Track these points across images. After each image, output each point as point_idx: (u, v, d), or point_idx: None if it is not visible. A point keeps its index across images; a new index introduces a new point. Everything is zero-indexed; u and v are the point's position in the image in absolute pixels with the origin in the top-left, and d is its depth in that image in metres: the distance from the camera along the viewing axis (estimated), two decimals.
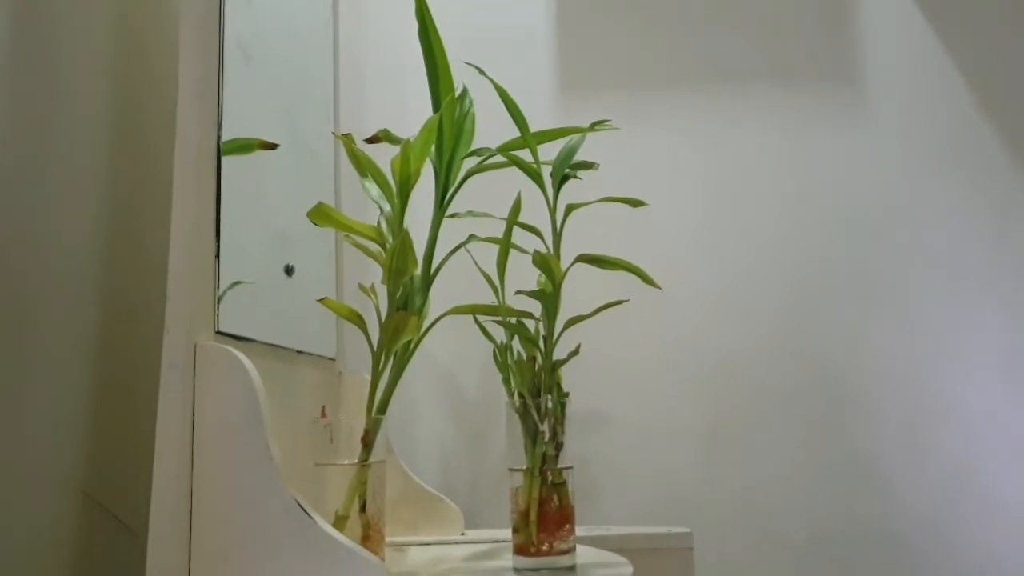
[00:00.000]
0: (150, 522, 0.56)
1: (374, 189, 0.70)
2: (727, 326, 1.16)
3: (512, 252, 0.76)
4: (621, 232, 1.02)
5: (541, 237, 0.75)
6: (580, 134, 0.77)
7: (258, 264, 0.76)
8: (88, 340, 0.69)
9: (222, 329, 0.65)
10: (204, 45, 0.65)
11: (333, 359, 0.95)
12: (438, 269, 0.77)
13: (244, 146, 0.79)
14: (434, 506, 0.96)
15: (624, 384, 1.14)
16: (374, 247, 0.71)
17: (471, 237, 0.80)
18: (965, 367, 1.13)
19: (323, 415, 0.91)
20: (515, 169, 0.79)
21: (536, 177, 0.74)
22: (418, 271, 0.75)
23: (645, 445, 1.14)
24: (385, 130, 0.83)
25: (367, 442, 0.74)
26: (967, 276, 1.15)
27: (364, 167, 0.69)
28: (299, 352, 0.84)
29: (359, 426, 0.74)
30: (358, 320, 0.71)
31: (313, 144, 0.93)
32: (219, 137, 0.67)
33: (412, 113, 0.83)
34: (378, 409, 0.74)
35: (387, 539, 0.76)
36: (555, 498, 0.74)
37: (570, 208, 0.74)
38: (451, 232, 0.77)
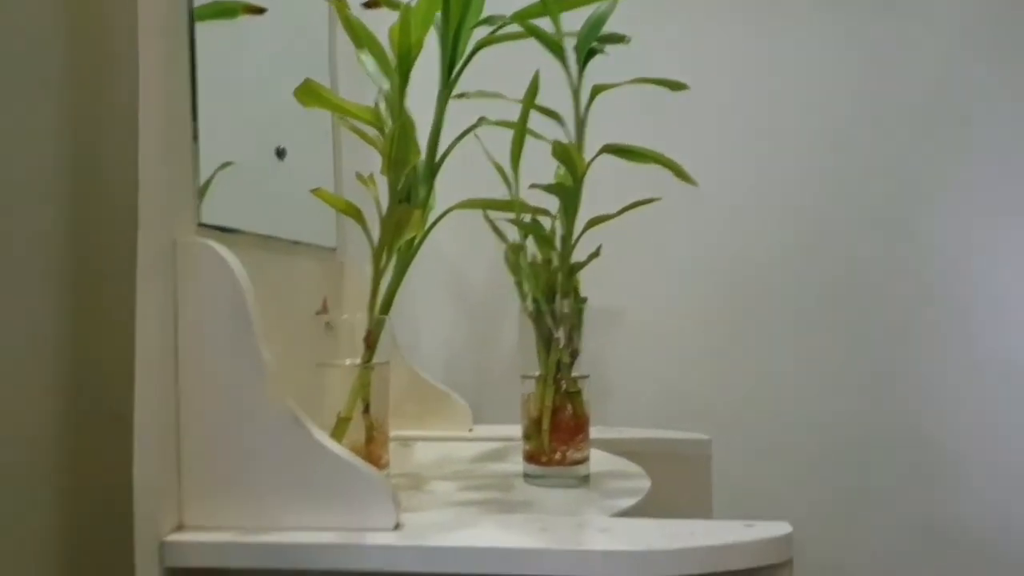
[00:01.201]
0: (135, 438, 0.51)
1: (371, 63, 0.61)
2: (758, 225, 1.08)
3: (528, 140, 0.68)
4: (652, 121, 0.92)
5: (562, 123, 0.67)
6: (610, 0, 0.67)
7: (245, 146, 0.68)
8: (57, 234, 0.63)
9: (205, 221, 0.59)
10: None
11: (334, 249, 0.89)
12: (444, 156, 0.69)
13: (227, 10, 0.69)
14: (441, 401, 0.93)
15: (643, 281, 1.08)
16: (372, 132, 0.63)
17: (481, 120, 0.72)
18: (1009, 269, 1.06)
19: (324, 308, 0.86)
20: (533, 42, 0.69)
21: (557, 51, 0.65)
22: (421, 159, 0.67)
23: (662, 345, 1.09)
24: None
25: (370, 343, 0.69)
26: (1017, 166, 1.06)
27: (359, 37, 0.60)
28: (295, 243, 0.77)
29: (362, 322, 0.69)
30: (356, 214, 0.65)
31: (305, 11, 0.84)
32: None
33: None
34: (381, 309, 0.68)
35: (393, 432, 0.72)
36: (569, 407, 0.70)
37: (596, 90, 0.66)
38: (459, 115, 0.69)
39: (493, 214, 0.71)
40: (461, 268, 1.01)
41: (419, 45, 0.60)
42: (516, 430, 0.74)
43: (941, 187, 1.06)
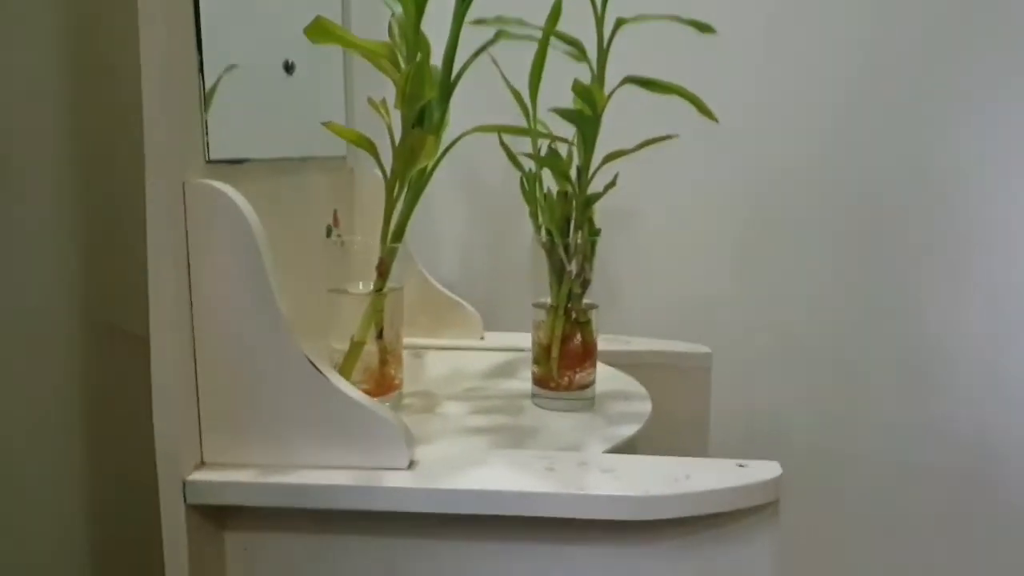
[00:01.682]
0: (152, 387, 0.52)
1: None
2: (775, 146, 1.04)
3: (548, 61, 0.65)
4: (676, 45, 0.87)
5: (584, 53, 0.64)
6: None
7: (251, 63, 0.66)
8: (68, 168, 0.62)
9: (213, 156, 0.58)
10: None
11: (343, 157, 0.87)
12: (458, 77, 0.66)
13: None
14: (453, 310, 0.94)
15: (657, 189, 1.06)
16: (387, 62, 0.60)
17: (500, 34, 0.68)
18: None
19: (335, 221, 0.86)
20: None
21: None
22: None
23: (672, 252, 1.08)
24: None
25: (382, 271, 0.69)
26: None
27: None
28: (305, 159, 0.76)
29: (374, 238, 0.69)
30: (368, 146, 0.63)
31: None
32: None
33: None
34: (393, 237, 0.68)
35: (406, 341, 0.74)
36: (578, 335, 0.71)
37: (620, 22, 0.62)
38: (475, 40, 0.66)
39: (510, 138, 0.69)
40: (477, 168, 0.97)
41: None
42: (525, 338, 0.75)
43: (964, 111, 1.01)
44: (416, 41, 0.59)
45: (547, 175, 0.70)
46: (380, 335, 0.70)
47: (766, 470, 0.56)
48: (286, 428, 0.55)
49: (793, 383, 1.10)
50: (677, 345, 0.92)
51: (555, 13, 0.63)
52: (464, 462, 0.56)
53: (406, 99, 0.59)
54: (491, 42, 0.68)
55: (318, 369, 0.54)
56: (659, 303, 1.09)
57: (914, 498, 1.10)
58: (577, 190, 0.68)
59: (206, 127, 0.56)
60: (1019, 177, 1.02)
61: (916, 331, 1.07)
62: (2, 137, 0.55)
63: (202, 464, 0.55)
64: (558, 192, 0.69)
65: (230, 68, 0.60)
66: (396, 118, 0.66)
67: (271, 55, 0.69)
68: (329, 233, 0.84)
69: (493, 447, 0.61)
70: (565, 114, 0.67)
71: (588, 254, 0.70)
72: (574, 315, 0.70)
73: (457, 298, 0.95)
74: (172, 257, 0.53)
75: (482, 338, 0.94)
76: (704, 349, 0.90)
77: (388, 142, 0.66)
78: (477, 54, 0.67)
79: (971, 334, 1.05)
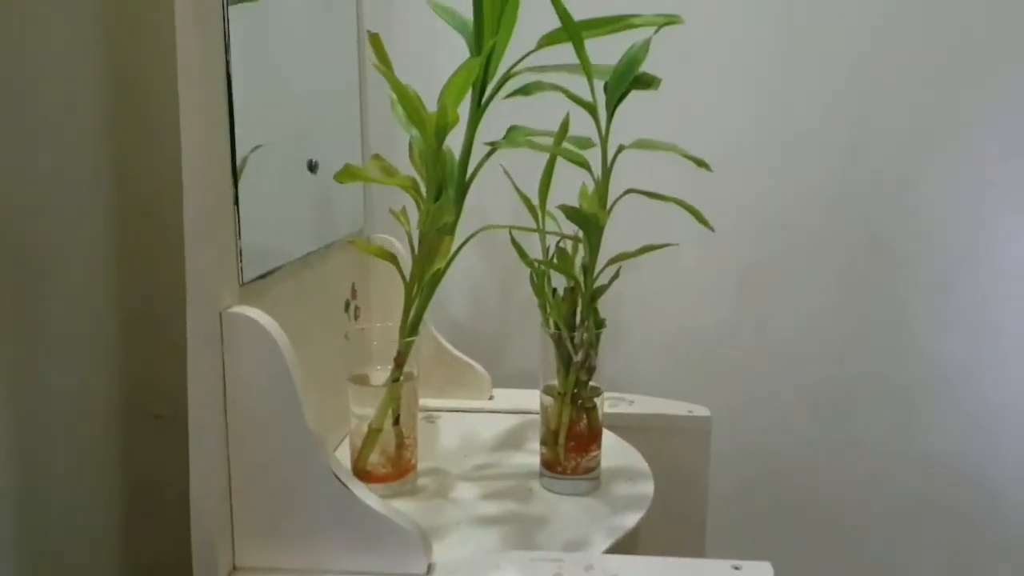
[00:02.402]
0: (191, 496, 0.57)
1: (406, 120, 0.62)
2: (769, 165, 1.08)
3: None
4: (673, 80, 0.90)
5: (589, 170, 0.68)
6: (643, 39, 0.66)
7: (279, 170, 0.70)
8: (106, 262, 0.67)
9: (247, 277, 0.62)
10: None
11: (361, 229, 0.91)
12: (471, 179, 0.70)
13: None
14: (464, 371, 0.98)
15: (656, 221, 1.10)
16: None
17: (512, 130, 0.72)
18: (1019, 226, 1.08)
19: (352, 294, 0.90)
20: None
21: (590, 109, 0.65)
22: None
23: (676, 289, 1.12)
24: None
25: (400, 362, 0.73)
26: None
27: (399, 95, 0.60)
28: (328, 246, 0.80)
29: (388, 310, 0.73)
30: (390, 258, 0.67)
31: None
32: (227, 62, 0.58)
33: None
34: (410, 331, 0.72)
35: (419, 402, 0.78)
36: (584, 420, 0.75)
37: (620, 148, 0.66)
38: (488, 135, 0.70)
39: (520, 235, 0.73)
40: (485, 206, 1.00)
41: (456, 119, 0.61)
42: (532, 397, 0.78)
43: (951, 140, 1.05)
44: (436, 169, 0.63)
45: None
46: (397, 421, 0.75)
47: (759, 571, 0.60)
48: (314, 536, 0.59)
49: (790, 414, 1.14)
50: (678, 407, 0.96)
51: (563, 129, 0.67)
52: (478, 568, 0.61)
53: (428, 223, 0.63)
54: (495, 147, 0.71)
55: (344, 484, 0.58)
56: (660, 335, 1.13)
57: (909, 530, 1.15)
58: (583, 287, 0.72)
59: (240, 254, 0.60)
60: (1006, 211, 1.06)
61: (905, 356, 1.11)
62: (55, 235, 0.60)
63: (234, 569, 0.60)
64: (565, 288, 0.73)
65: (258, 181, 0.64)
66: (412, 215, 0.71)
67: (296, 159, 0.73)
68: (347, 308, 0.88)
69: (505, 542, 0.66)
70: (571, 216, 0.70)
71: (594, 343, 0.74)
72: (580, 401, 0.75)
73: (468, 359, 0.99)
74: (210, 380, 0.57)
75: (491, 398, 0.99)
76: (704, 412, 0.94)
77: (407, 239, 0.71)
78: (488, 155, 0.71)
79: (963, 364, 1.09)
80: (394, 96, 0.62)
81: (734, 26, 1.05)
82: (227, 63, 0.58)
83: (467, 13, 0.71)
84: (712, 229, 0.66)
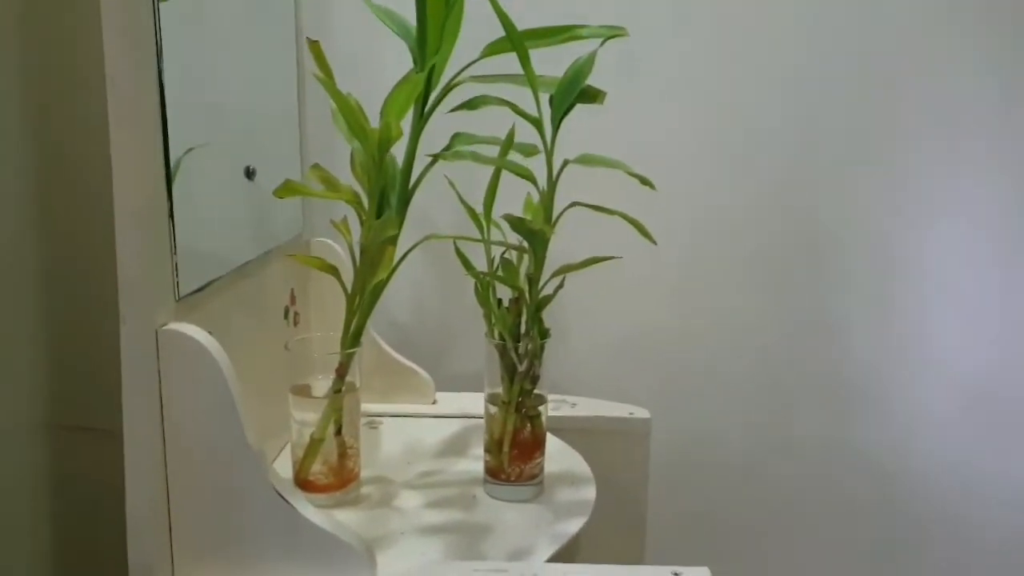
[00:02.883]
0: (127, 518, 0.55)
1: (347, 130, 0.61)
2: (710, 179, 1.10)
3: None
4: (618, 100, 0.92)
5: (534, 183, 0.68)
6: (588, 52, 0.66)
7: (216, 178, 0.68)
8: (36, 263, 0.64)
9: (183, 292, 0.60)
10: None
11: (299, 235, 0.90)
12: (414, 188, 0.70)
13: None
14: (406, 375, 0.98)
15: (600, 230, 1.11)
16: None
17: (455, 137, 0.72)
18: (948, 234, 1.12)
19: (291, 300, 0.89)
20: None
21: (536, 123, 0.65)
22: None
23: (616, 289, 1.14)
24: None
25: (342, 373, 0.72)
26: (969, 140, 1.09)
27: (340, 107, 0.59)
28: (266, 253, 0.79)
29: (328, 316, 0.72)
30: (331, 270, 0.66)
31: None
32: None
33: None
34: (351, 343, 0.72)
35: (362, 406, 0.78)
36: (528, 428, 0.76)
37: (565, 163, 0.66)
38: (432, 143, 0.69)
39: (464, 244, 0.73)
40: (431, 215, 1.00)
41: (399, 133, 0.60)
42: (475, 399, 0.79)
43: (887, 150, 1.09)
44: (378, 182, 0.62)
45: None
46: (339, 431, 0.74)
47: None
48: (259, 555, 0.58)
49: (725, 408, 1.17)
50: (618, 409, 0.97)
51: (508, 141, 0.67)
52: None
53: (371, 238, 0.62)
54: (440, 155, 0.71)
55: (287, 501, 0.58)
56: (601, 336, 1.15)
57: (839, 525, 1.19)
58: (528, 298, 0.72)
59: (176, 268, 0.58)
60: (943, 225, 1.10)
61: (840, 359, 1.15)
62: None
63: None
64: (510, 299, 0.73)
65: (194, 189, 0.62)
66: (353, 223, 0.70)
67: (233, 166, 0.72)
68: (287, 314, 0.87)
69: (449, 552, 0.66)
70: (517, 227, 0.70)
71: (538, 353, 0.74)
72: (524, 409, 0.75)
73: (410, 364, 0.98)
74: (146, 398, 0.56)
75: (434, 402, 0.99)
76: (644, 415, 0.96)
77: (347, 249, 0.70)
78: (431, 165, 0.70)
79: (893, 362, 1.14)
80: (335, 106, 0.61)
81: (678, 38, 1.06)
82: (159, 70, 0.56)
83: (407, 13, 0.70)
84: (655, 243, 0.67)
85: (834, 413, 1.17)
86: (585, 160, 0.66)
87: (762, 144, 1.09)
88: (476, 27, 0.68)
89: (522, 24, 0.67)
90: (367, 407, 0.95)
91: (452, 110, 0.65)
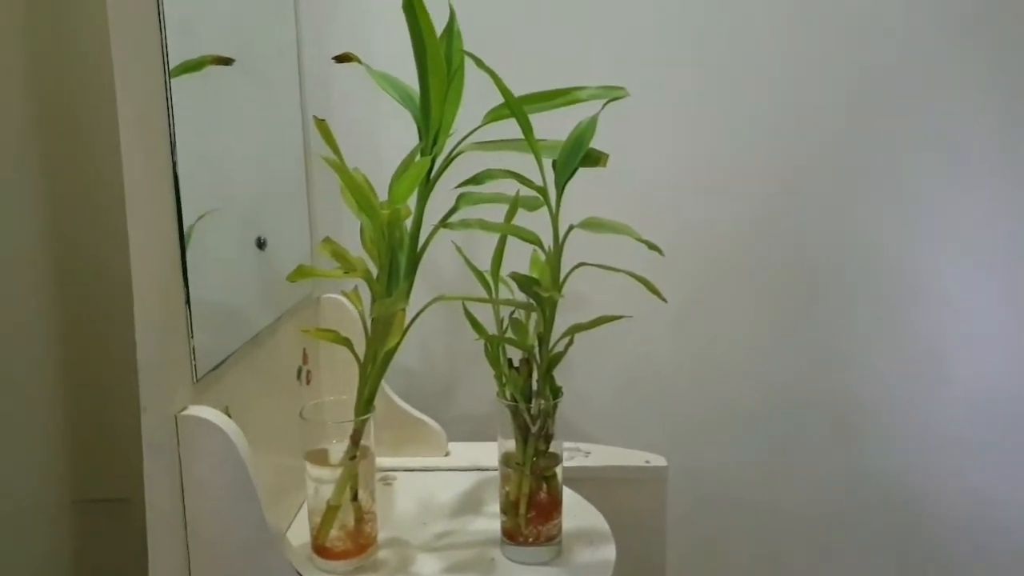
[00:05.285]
0: None
1: (355, 206, 0.62)
2: (706, 201, 1.10)
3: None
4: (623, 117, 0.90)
5: (541, 246, 0.68)
6: (590, 117, 0.67)
7: (230, 257, 0.69)
8: (54, 351, 0.65)
9: (200, 371, 0.61)
10: None
11: (309, 294, 0.90)
12: (423, 251, 0.70)
13: (195, 65, 0.67)
14: (418, 429, 0.98)
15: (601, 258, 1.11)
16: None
17: (461, 201, 0.72)
18: (953, 252, 1.11)
19: (304, 359, 0.89)
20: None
21: (541, 191, 0.66)
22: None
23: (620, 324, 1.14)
24: (349, 53, 0.72)
25: (356, 439, 0.73)
26: (970, 158, 1.09)
27: (348, 185, 0.60)
28: (279, 318, 0.79)
29: (340, 369, 0.72)
30: (346, 343, 0.67)
31: (267, 67, 0.81)
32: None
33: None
34: (363, 409, 0.72)
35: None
36: (544, 488, 0.76)
37: (571, 228, 0.67)
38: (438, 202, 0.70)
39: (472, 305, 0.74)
40: (438, 269, 1.00)
41: (408, 212, 0.61)
42: (488, 450, 0.79)
43: (886, 168, 1.08)
44: (388, 253, 0.63)
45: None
46: (355, 496, 0.74)
47: None
48: None
49: (737, 443, 1.16)
50: (634, 457, 0.97)
51: (514, 207, 0.68)
52: None
53: (382, 311, 0.63)
54: (446, 221, 0.71)
55: None
56: (607, 374, 1.14)
57: (861, 553, 1.18)
58: (539, 359, 0.73)
59: (194, 352, 0.59)
60: (946, 243, 1.09)
61: (848, 385, 1.14)
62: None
63: None
64: (520, 359, 0.73)
65: (208, 269, 0.63)
66: (364, 293, 0.70)
67: (245, 238, 0.72)
68: (299, 375, 0.87)
69: None
70: (524, 287, 0.71)
71: (550, 412, 0.74)
72: (539, 470, 0.75)
73: (420, 415, 0.98)
74: (167, 480, 0.56)
75: (447, 454, 0.99)
76: (660, 462, 0.96)
77: (358, 316, 0.71)
78: (439, 226, 0.71)
79: (906, 386, 1.13)
80: (342, 184, 0.62)
81: (672, 71, 1.06)
82: (173, 158, 0.57)
83: (407, 78, 0.71)
84: (665, 300, 0.67)
85: (849, 440, 1.16)
86: (591, 225, 0.66)
87: (758, 172, 1.09)
88: (478, 86, 0.69)
89: (519, 74, 0.67)
90: (380, 461, 0.96)
91: (458, 185, 0.66)
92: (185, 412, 0.57)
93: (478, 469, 0.95)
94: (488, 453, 0.90)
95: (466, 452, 0.99)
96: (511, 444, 0.75)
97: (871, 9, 1.05)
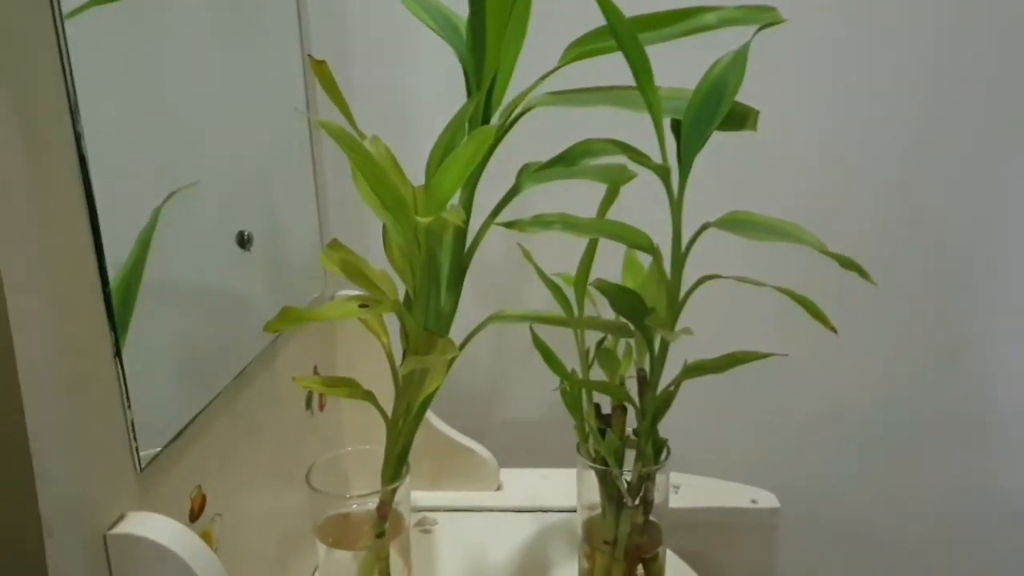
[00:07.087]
0: None
1: (374, 199, 0.40)
2: (831, 185, 0.88)
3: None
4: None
5: (656, 255, 0.46)
6: (735, 50, 0.44)
7: (194, 266, 0.48)
8: None
9: (145, 455, 0.40)
10: None
11: (322, 293, 0.70)
12: (469, 256, 0.49)
13: None
14: (464, 458, 0.78)
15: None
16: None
17: (523, 174, 0.50)
18: None
19: (316, 373, 0.69)
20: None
21: (662, 173, 0.43)
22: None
23: (720, 319, 0.93)
24: None
25: (384, 514, 0.53)
26: None
27: (359, 164, 0.38)
28: (272, 342, 0.59)
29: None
30: (370, 398, 0.46)
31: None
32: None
33: None
34: (393, 475, 0.52)
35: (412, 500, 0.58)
36: (640, 571, 0.55)
37: (705, 226, 0.44)
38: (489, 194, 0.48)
39: (543, 328, 0.52)
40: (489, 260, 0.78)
41: (458, 220, 0.39)
42: (548, 485, 0.68)
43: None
44: (426, 271, 0.42)
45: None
46: None
47: None
48: None
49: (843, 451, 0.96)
50: (736, 495, 0.76)
51: (612, 194, 0.46)
52: None
53: (414, 364, 0.42)
54: (491, 218, 0.50)
55: None
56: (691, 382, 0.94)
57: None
58: (639, 407, 0.51)
59: (133, 429, 0.38)
60: None
61: (974, 394, 0.93)
62: None
63: None
64: (613, 408, 0.52)
65: (160, 288, 0.42)
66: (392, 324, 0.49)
67: (220, 235, 0.51)
68: (309, 404, 0.67)
69: None
70: (618, 303, 0.49)
71: (652, 476, 0.53)
72: (636, 550, 0.55)
73: (466, 441, 0.78)
74: None
75: (499, 488, 0.79)
76: (773, 503, 0.75)
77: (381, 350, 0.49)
78: (486, 226, 0.49)
79: None
80: (352, 164, 0.40)
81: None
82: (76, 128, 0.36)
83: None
84: (835, 331, 0.45)
85: (969, 456, 0.96)
86: (738, 222, 0.43)
87: (882, 146, 0.87)
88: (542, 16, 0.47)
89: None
90: (416, 497, 0.76)
91: (539, 169, 0.44)
92: (119, 528, 0.36)
93: (539, 510, 0.75)
94: (550, 485, 0.76)
95: (521, 482, 0.79)
96: (593, 501, 0.55)
97: None
